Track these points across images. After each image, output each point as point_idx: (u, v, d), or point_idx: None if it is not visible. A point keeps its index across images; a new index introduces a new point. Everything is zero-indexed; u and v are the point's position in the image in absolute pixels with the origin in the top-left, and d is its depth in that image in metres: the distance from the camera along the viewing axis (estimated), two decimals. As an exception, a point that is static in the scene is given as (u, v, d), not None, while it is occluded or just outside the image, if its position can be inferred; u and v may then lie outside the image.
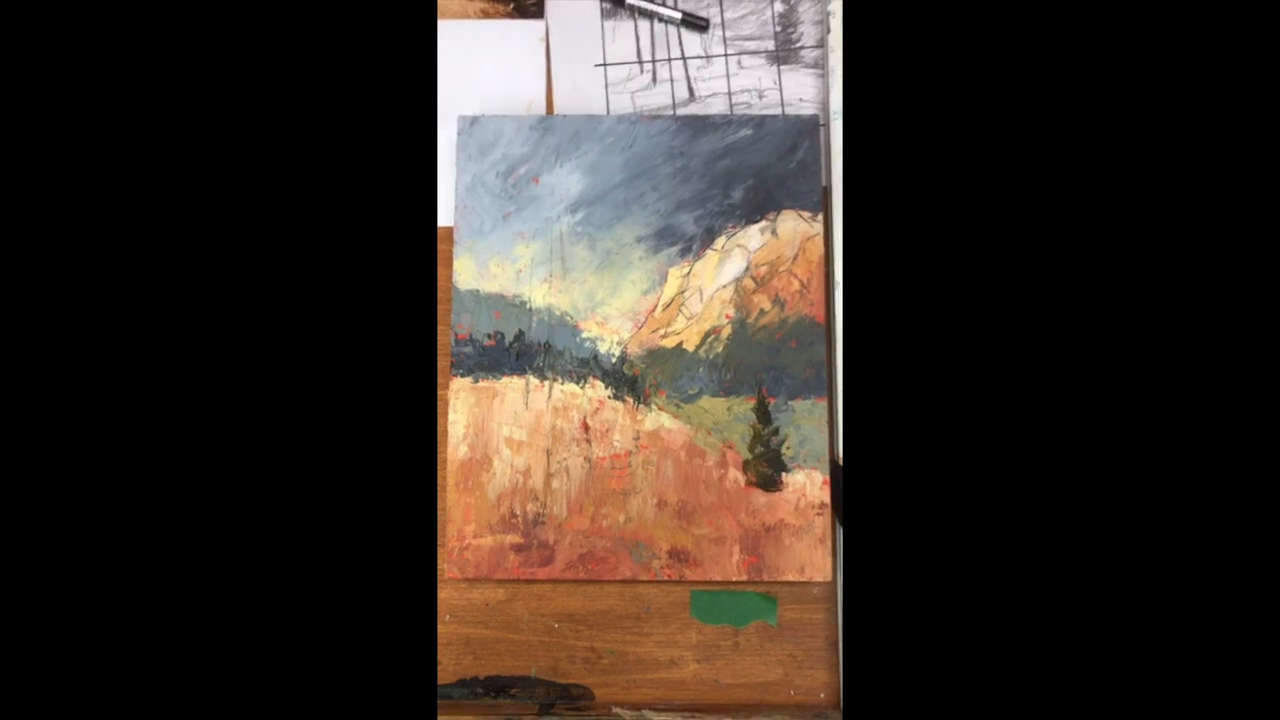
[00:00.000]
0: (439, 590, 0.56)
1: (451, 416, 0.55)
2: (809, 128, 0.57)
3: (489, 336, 0.56)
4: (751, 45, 0.62)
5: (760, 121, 0.58)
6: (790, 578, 0.54)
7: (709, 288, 0.57)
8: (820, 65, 0.61)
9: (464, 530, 0.55)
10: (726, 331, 0.56)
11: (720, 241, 0.57)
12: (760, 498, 0.54)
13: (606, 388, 0.56)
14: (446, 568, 0.54)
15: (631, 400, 0.55)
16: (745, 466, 0.55)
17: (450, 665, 0.55)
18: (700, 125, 0.58)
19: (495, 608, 0.56)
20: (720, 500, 0.55)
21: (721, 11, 0.62)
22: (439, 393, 0.56)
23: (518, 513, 0.55)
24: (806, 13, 0.62)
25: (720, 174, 0.57)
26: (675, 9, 0.62)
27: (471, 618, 0.56)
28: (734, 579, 0.54)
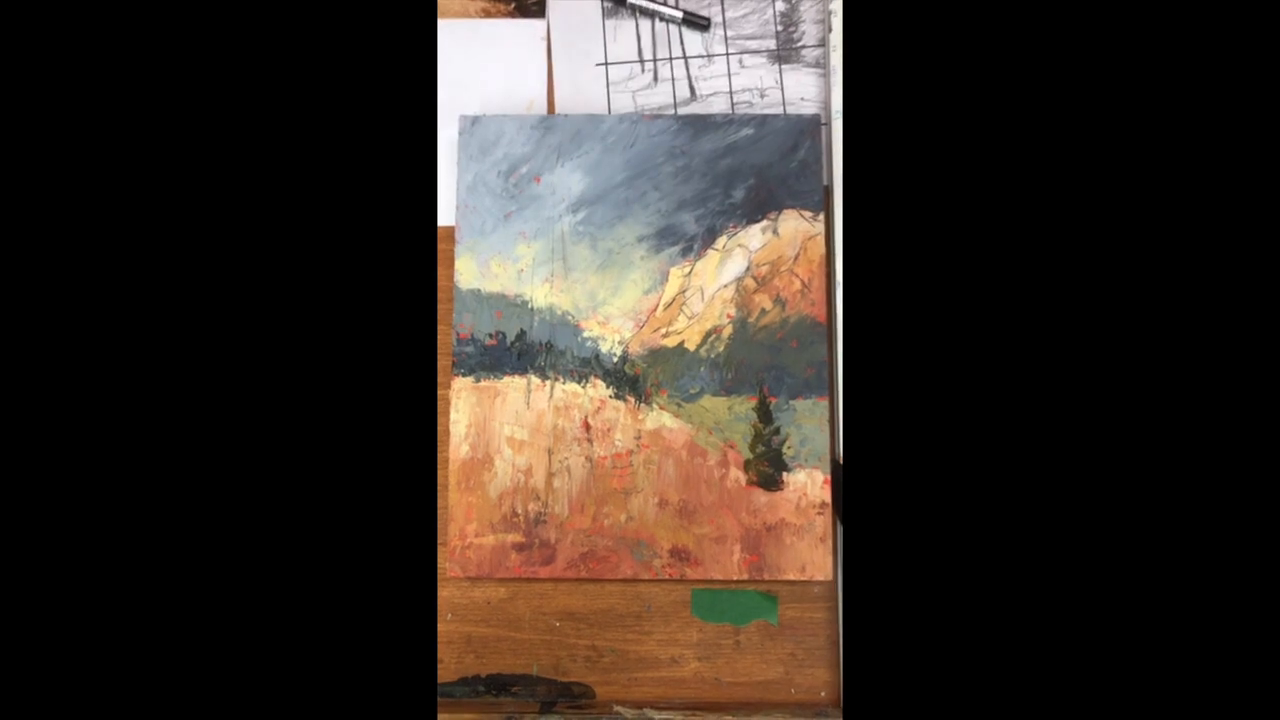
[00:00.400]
0: (441, 589, 0.56)
1: (453, 416, 0.55)
2: (810, 127, 0.57)
3: (490, 336, 0.56)
4: (753, 44, 0.62)
5: (762, 121, 0.58)
6: (791, 577, 0.54)
7: (710, 287, 0.57)
8: (822, 64, 0.61)
9: (466, 529, 0.55)
10: (728, 331, 0.56)
11: (721, 241, 0.57)
12: (761, 497, 0.55)
13: (608, 387, 0.56)
14: (448, 566, 0.55)
15: (633, 399, 0.56)
16: (746, 466, 0.55)
17: (452, 663, 0.56)
18: (701, 124, 0.58)
19: (497, 606, 0.56)
20: (721, 499, 0.55)
21: (723, 11, 0.62)
22: (441, 392, 0.57)
23: (519, 512, 0.55)
24: (808, 12, 0.62)
25: (721, 173, 0.57)
26: (676, 8, 0.62)
27: (473, 616, 0.56)
28: (735, 578, 0.54)
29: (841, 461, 0.55)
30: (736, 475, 0.55)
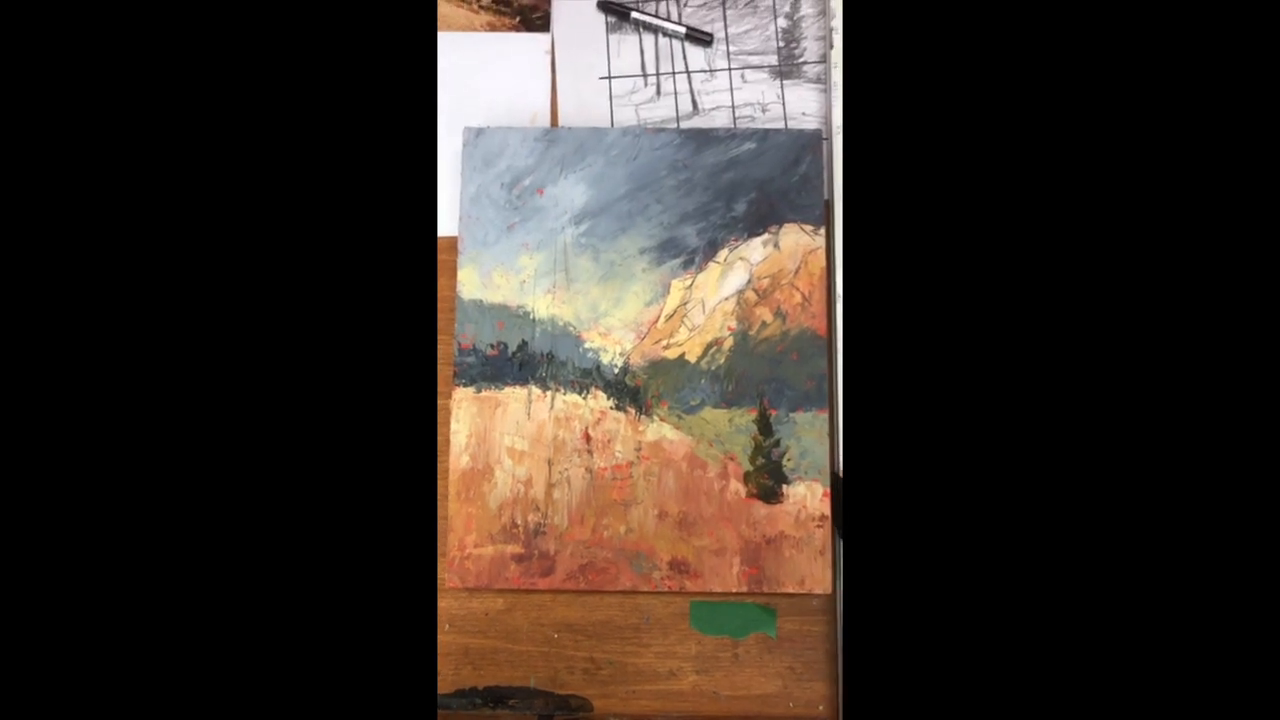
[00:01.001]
0: (439, 600, 0.56)
1: (454, 426, 0.55)
2: (811, 142, 0.58)
3: (492, 346, 0.56)
4: (755, 60, 0.62)
5: (763, 135, 0.58)
6: (790, 589, 0.54)
7: (711, 300, 0.57)
8: (823, 80, 0.62)
9: (465, 539, 0.55)
10: (728, 343, 0.56)
11: (723, 254, 0.57)
12: (761, 509, 0.55)
13: (608, 398, 0.56)
14: (447, 577, 0.54)
15: (633, 411, 0.56)
16: (746, 478, 0.55)
17: (449, 675, 0.55)
18: (703, 138, 0.58)
19: (495, 618, 0.56)
20: (721, 512, 0.55)
21: (725, 26, 0.63)
22: (442, 402, 0.57)
23: (519, 523, 0.55)
24: (809, 28, 0.63)
25: (723, 187, 0.57)
26: (679, 23, 0.62)
27: (471, 628, 0.56)
28: (734, 590, 0.54)
29: (841, 474, 0.55)
30: (736, 487, 0.55)
